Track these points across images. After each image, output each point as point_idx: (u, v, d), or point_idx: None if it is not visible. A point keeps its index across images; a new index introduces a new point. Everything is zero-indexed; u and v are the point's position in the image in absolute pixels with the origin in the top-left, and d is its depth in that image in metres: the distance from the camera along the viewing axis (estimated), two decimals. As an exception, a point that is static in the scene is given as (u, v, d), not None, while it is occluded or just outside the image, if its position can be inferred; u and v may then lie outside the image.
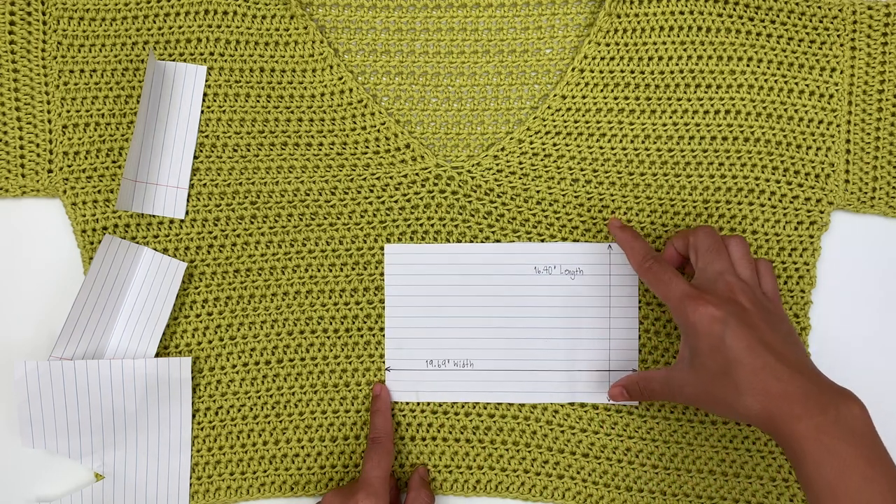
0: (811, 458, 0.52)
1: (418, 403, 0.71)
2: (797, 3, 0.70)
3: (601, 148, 0.71)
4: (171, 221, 0.71)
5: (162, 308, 0.70)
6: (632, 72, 0.71)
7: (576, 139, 0.71)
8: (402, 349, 0.71)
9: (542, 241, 0.71)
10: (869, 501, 0.51)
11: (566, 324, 0.71)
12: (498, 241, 0.71)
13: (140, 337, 0.70)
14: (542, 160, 0.71)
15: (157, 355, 0.70)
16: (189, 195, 0.71)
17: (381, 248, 0.71)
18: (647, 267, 0.64)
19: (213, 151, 0.71)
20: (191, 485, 0.71)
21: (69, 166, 0.71)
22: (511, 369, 0.71)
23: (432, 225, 0.71)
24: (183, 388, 0.70)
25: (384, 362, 0.72)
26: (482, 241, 0.71)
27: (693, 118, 0.71)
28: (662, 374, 0.63)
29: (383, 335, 0.72)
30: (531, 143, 0.71)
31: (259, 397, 0.72)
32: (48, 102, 0.71)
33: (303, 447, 0.71)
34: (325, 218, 0.71)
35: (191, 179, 0.71)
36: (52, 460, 0.71)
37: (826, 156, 0.71)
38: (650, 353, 0.71)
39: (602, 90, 0.71)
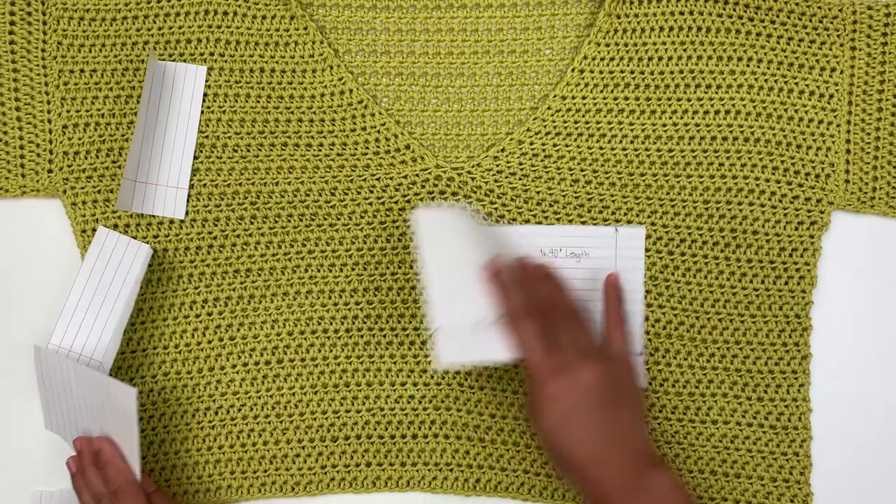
0: None
1: (421, 401, 0.71)
2: (797, 3, 0.70)
3: (601, 149, 0.71)
4: (171, 221, 0.71)
5: (118, 294, 0.69)
6: (632, 72, 0.71)
7: (576, 140, 0.71)
8: (448, 309, 0.65)
9: (548, 223, 0.71)
10: None
11: None
12: None
13: (91, 325, 0.68)
14: (542, 161, 0.71)
15: (149, 354, 0.70)
16: (189, 195, 0.71)
17: (381, 249, 0.71)
18: (513, 323, 0.63)
19: (213, 152, 0.71)
20: (191, 484, 0.71)
21: (69, 166, 0.71)
22: None
23: (432, 225, 0.71)
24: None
25: (392, 359, 0.72)
26: None
27: (693, 118, 0.71)
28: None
29: (382, 335, 0.72)
30: (531, 143, 0.71)
31: (259, 397, 0.72)
32: (48, 102, 0.71)
33: (303, 447, 0.72)
34: (325, 219, 0.71)
35: (191, 180, 0.71)
36: (54, 449, 0.71)
37: (826, 156, 0.71)
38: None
39: (602, 91, 0.71)
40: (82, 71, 0.71)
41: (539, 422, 0.61)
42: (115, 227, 0.71)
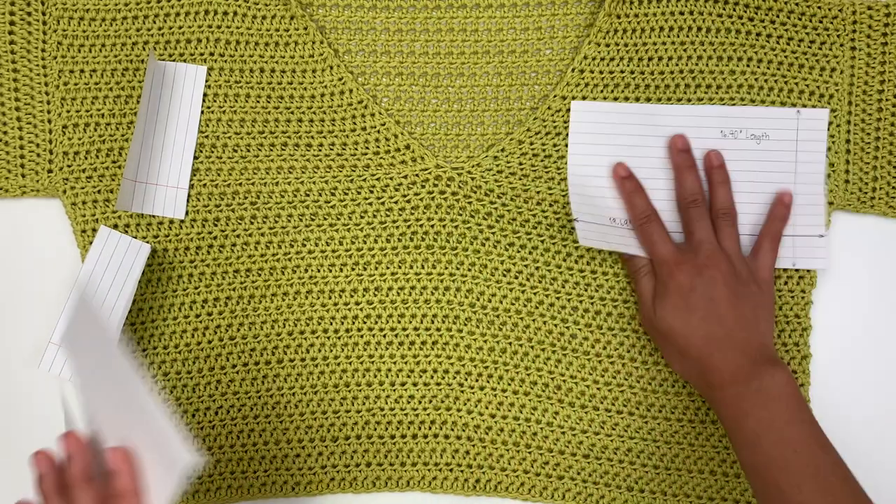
0: (729, 417, 0.62)
1: (421, 401, 0.71)
2: (797, 3, 0.70)
3: (601, 148, 0.71)
4: (171, 221, 0.71)
5: (119, 293, 0.69)
6: (632, 72, 0.71)
7: (576, 139, 0.71)
8: (587, 204, 0.70)
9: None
10: (782, 440, 0.60)
11: (750, 188, 0.70)
12: (505, 238, 0.71)
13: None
14: (542, 161, 0.71)
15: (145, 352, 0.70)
16: (189, 195, 0.71)
17: (381, 249, 0.71)
18: (640, 224, 0.68)
19: (213, 152, 0.71)
20: (191, 484, 0.71)
21: (69, 166, 0.71)
22: None
23: (432, 226, 0.71)
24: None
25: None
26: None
27: (693, 118, 0.71)
28: (647, 287, 0.68)
29: (382, 335, 0.72)
30: (531, 143, 0.71)
31: (259, 397, 0.72)
32: (48, 102, 0.71)
33: (303, 447, 0.72)
34: (325, 218, 0.71)
35: (191, 179, 0.71)
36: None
37: (826, 156, 0.71)
38: None
39: (602, 91, 0.71)
40: (82, 71, 0.71)
41: (661, 310, 0.66)
42: (115, 227, 0.71)
